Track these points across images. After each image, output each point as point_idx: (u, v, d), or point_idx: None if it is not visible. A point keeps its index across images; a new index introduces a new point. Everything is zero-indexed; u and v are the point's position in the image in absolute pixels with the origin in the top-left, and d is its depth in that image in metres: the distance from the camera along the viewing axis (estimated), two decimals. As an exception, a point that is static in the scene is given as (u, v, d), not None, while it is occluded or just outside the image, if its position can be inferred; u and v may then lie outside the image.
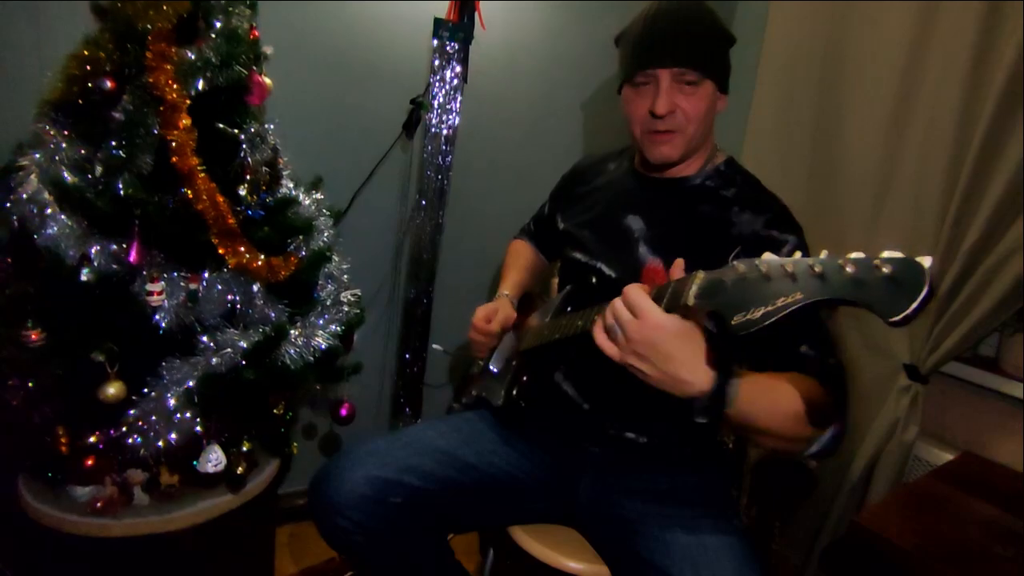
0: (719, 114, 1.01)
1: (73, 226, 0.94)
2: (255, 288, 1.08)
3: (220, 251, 1.01)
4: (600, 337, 0.76)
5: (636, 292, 0.72)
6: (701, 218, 0.99)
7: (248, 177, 1.06)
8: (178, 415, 1.00)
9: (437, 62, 1.45)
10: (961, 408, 1.49)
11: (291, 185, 1.18)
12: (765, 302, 0.56)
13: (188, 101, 0.94)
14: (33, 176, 0.93)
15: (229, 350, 1.03)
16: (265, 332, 1.06)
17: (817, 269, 0.54)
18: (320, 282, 1.22)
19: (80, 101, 0.94)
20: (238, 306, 1.07)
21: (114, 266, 0.96)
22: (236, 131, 1.03)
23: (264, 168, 1.09)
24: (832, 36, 1.59)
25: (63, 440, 1.00)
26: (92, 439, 1.00)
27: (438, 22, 1.43)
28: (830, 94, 1.59)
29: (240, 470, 1.14)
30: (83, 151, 0.95)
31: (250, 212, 1.07)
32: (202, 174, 0.96)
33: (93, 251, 0.95)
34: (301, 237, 1.15)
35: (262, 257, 1.05)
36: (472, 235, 1.71)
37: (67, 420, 1.00)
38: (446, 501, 0.99)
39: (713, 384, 0.72)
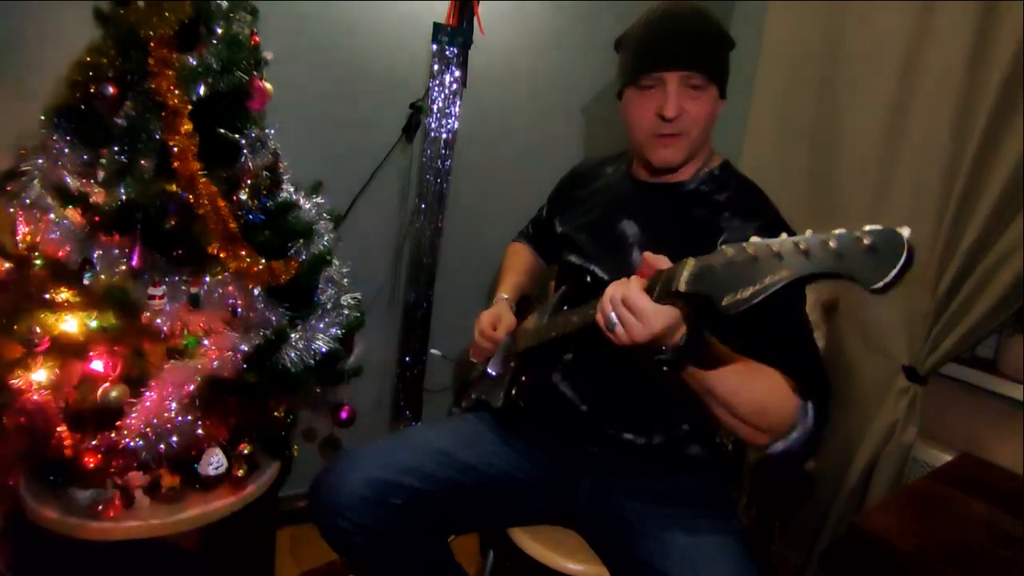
0: (720, 115, 1.02)
1: (75, 230, 0.95)
2: (256, 292, 1.08)
3: (221, 255, 1.02)
4: (602, 325, 0.77)
5: (638, 296, 0.72)
6: (693, 223, 0.99)
7: (249, 181, 1.07)
8: (179, 418, 1.01)
9: (436, 67, 1.46)
10: (960, 409, 1.49)
11: (291, 189, 1.18)
12: (753, 281, 0.58)
13: (189, 106, 0.95)
14: (36, 181, 0.94)
15: (230, 353, 1.03)
16: (266, 335, 1.07)
17: (802, 247, 0.55)
18: (320, 286, 1.22)
19: (83, 107, 0.95)
20: (239, 309, 1.08)
21: (116, 270, 0.96)
22: (237, 136, 1.03)
23: (265, 172, 1.09)
24: (830, 36, 1.59)
25: (65, 442, 1.00)
26: (94, 442, 1.00)
27: (437, 27, 1.43)
28: (828, 94, 1.60)
29: (241, 473, 1.15)
30: (85, 156, 0.96)
31: (251, 216, 1.08)
32: (203, 179, 0.97)
33: (95, 255, 0.96)
34: (301, 241, 1.15)
35: (263, 261, 1.05)
36: (472, 239, 1.71)
37: (69, 422, 1.01)
38: (446, 502, 0.99)
39: (682, 340, 0.74)
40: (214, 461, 1.11)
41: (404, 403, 1.68)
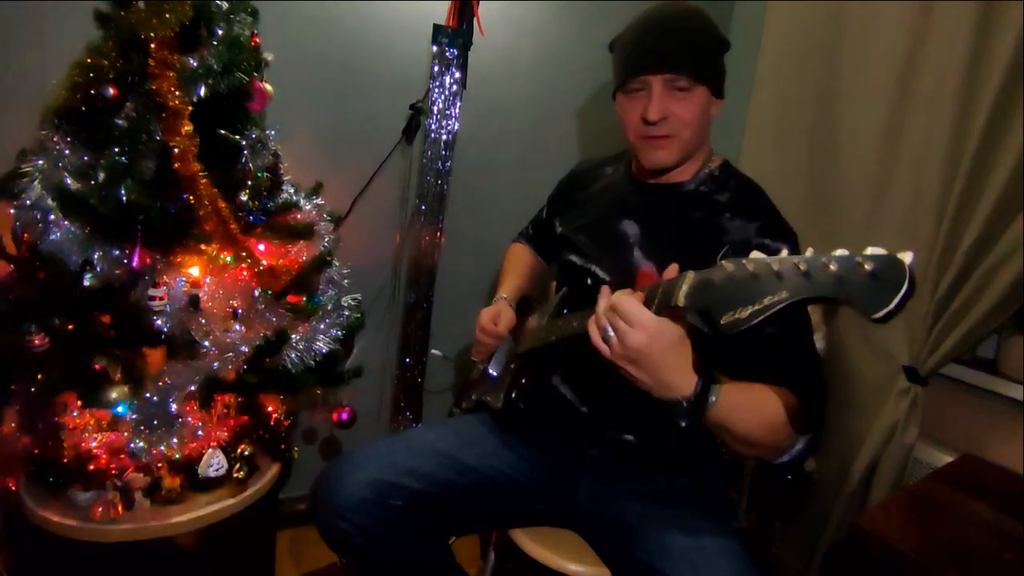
0: (718, 115, 1.02)
1: (76, 232, 0.95)
2: (256, 293, 1.08)
3: (222, 256, 1.02)
4: (595, 335, 0.77)
5: (628, 300, 0.73)
6: (694, 223, 0.99)
7: (249, 183, 1.07)
8: (179, 419, 1.01)
9: (436, 68, 1.46)
10: (960, 410, 1.49)
11: (292, 190, 1.19)
12: (753, 301, 0.58)
13: (190, 108, 0.95)
14: (36, 183, 0.94)
15: (231, 354, 1.03)
16: (266, 336, 1.07)
17: (802, 267, 0.54)
18: (320, 287, 1.22)
19: (83, 108, 0.95)
20: (239, 310, 1.08)
21: (117, 271, 0.96)
22: (237, 137, 1.03)
23: (265, 174, 1.10)
24: (829, 36, 1.59)
25: (65, 444, 1.00)
26: (94, 443, 1.00)
27: (437, 28, 1.44)
28: (827, 94, 1.60)
29: (241, 474, 1.14)
30: (86, 157, 0.96)
31: (251, 217, 1.08)
32: (204, 180, 0.97)
33: (96, 256, 0.96)
34: (302, 242, 1.15)
35: (263, 262, 1.05)
36: (471, 240, 1.72)
37: (69, 424, 1.01)
38: (446, 503, 0.99)
39: (696, 388, 0.74)
40: (214, 463, 1.10)
41: (404, 404, 1.68)
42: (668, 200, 1.03)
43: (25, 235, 0.96)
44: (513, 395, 1.10)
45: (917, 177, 1.41)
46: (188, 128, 0.95)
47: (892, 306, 0.49)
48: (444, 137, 1.52)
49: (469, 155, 1.62)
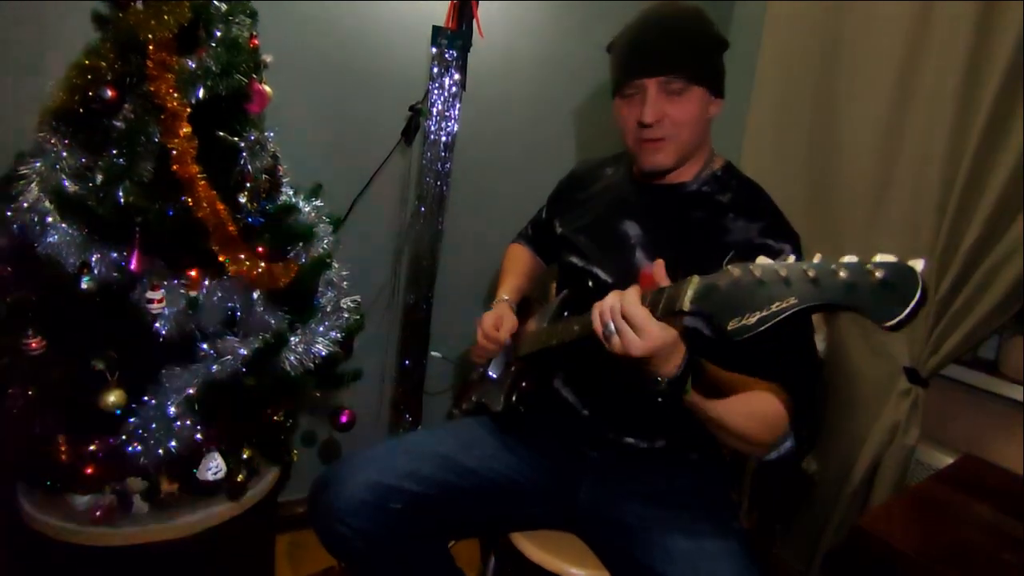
0: (717, 116, 1.01)
1: (74, 234, 0.94)
2: (255, 295, 1.08)
3: (220, 258, 1.01)
4: (597, 327, 0.77)
5: (639, 309, 0.72)
6: (696, 224, 0.99)
7: (248, 185, 1.07)
8: (178, 423, 1.00)
9: (436, 69, 1.46)
10: (961, 411, 1.49)
11: (291, 192, 1.18)
12: (760, 307, 0.57)
13: (188, 109, 0.95)
14: (34, 185, 0.94)
15: (229, 357, 1.03)
16: (265, 339, 1.07)
17: (811, 274, 0.54)
18: (320, 289, 1.22)
19: (81, 110, 0.94)
20: (238, 313, 1.07)
21: (115, 274, 0.96)
22: (236, 139, 1.03)
23: (264, 175, 1.09)
24: (829, 36, 1.60)
25: (63, 448, 1.00)
26: (92, 447, 1.00)
27: (436, 30, 1.43)
28: (828, 95, 1.60)
29: (240, 478, 1.14)
30: (84, 160, 0.96)
31: (250, 219, 1.08)
32: (202, 182, 0.96)
33: (94, 259, 0.95)
34: (301, 244, 1.15)
35: (262, 264, 1.05)
36: (471, 241, 1.71)
37: (67, 428, 1.00)
38: (446, 507, 0.99)
39: (676, 371, 0.75)
40: (213, 466, 1.10)
41: (404, 407, 1.68)
42: (670, 201, 1.03)
43: (22, 237, 0.96)
44: (514, 398, 1.10)
45: (917, 177, 1.41)
46: (187, 130, 0.94)
47: (904, 315, 0.48)
48: (443, 138, 1.51)
49: (468, 156, 1.62)
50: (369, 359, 1.59)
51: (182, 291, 1.00)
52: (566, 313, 1.07)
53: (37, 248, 0.93)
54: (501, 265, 1.35)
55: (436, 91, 1.47)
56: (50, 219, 0.94)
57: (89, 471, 1.01)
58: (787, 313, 0.55)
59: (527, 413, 1.09)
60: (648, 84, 0.94)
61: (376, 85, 1.49)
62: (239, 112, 1.04)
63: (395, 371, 1.69)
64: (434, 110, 1.48)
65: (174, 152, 0.94)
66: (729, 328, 0.59)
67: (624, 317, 0.73)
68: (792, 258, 0.58)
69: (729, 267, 0.62)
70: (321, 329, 1.17)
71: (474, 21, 1.47)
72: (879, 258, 0.50)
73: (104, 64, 0.93)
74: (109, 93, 0.94)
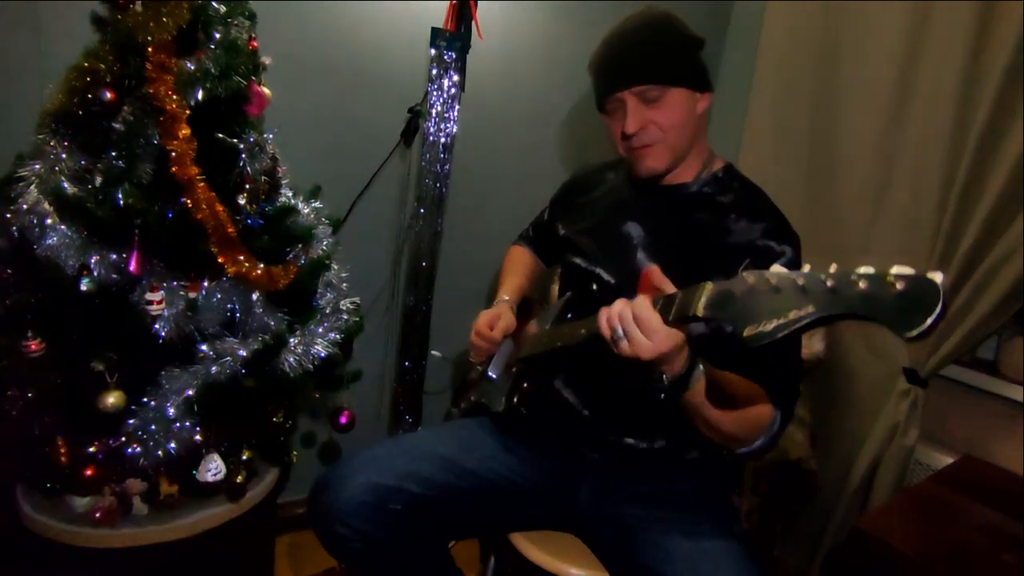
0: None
1: (73, 236, 0.94)
2: (254, 297, 1.08)
3: (219, 260, 1.01)
4: (604, 330, 0.77)
5: (651, 313, 0.72)
6: (698, 225, 0.99)
7: (247, 186, 1.07)
8: (177, 424, 1.00)
9: (435, 71, 1.46)
10: (961, 411, 1.49)
11: (290, 194, 1.18)
12: (777, 315, 0.57)
13: (187, 111, 0.95)
14: (33, 187, 0.94)
15: (229, 359, 1.03)
16: (264, 340, 1.07)
17: (829, 284, 0.53)
18: (319, 290, 1.22)
19: (80, 112, 0.94)
20: (237, 315, 1.07)
21: (114, 276, 0.96)
22: (235, 141, 1.03)
23: (263, 177, 1.09)
24: (828, 36, 1.60)
25: (62, 450, 1.00)
26: (91, 449, 1.00)
27: (435, 31, 1.44)
28: (827, 94, 1.61)
29: (239, 479, 1.14)
30: (83, 162, 0.96)
31: (249, 221, 1.08)
32: (202, 183, 0.96)
33: (93, 261, 0.95)
34: (300, 246, 1.15)
35: (261, 266, 1.05)
36: (471, 242, 1.71)
37: (67, 430, 1.00)
38: (446, 507, 0.99)
39: (680, 370, 0.76)
40: (212, 467, 1.10)
41: (404, 408, 1.68)
42: (671, 202, 1.03)
43: (22, 239, 0.96)
44: (515, 399, 1.09)
45: (917, 178, 1.41)
46: (186, 132, 0.94)
47: (926, 327, 0.48)
48: (442, 140, 1.51)
49: (468, 158, 1.62)
50: (369, 360, 1.59)
51: (181, 293, 1.00)
52: (569, 315, 1.07)
53: (36, 250, 0.93)
54: (502, 266, 1.35)
55: (435, 92, 1.48)
56: (49, 221, 0.94)
57: (89, 473, 1.01)
58: (806, 321, 0.55)
59: (528, 414, 1.09)
60: (625, 97, 0.96)
61: (375, 87, 1.49)
62: (238, 114, 1.04)
63: (395, 372, 1.69)
64: (433, 111, 1.48)
65: (173, 154, 0.94)
66: (745, 335, 0.59)
67: (635, 321, 0.73)
68: (807, 267, 0.57)
69: (744, 274, 0.62)
70: (320, 330, 1.17)
71: (473, 23, 1.47)
72: (896, 270, 0.50)
73: (103, 66, 0.94)
74: (108, 95, 0.94)
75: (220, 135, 1.01)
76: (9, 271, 0.98)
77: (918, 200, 1.40)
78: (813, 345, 1.43)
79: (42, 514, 1.02)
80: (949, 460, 1.43)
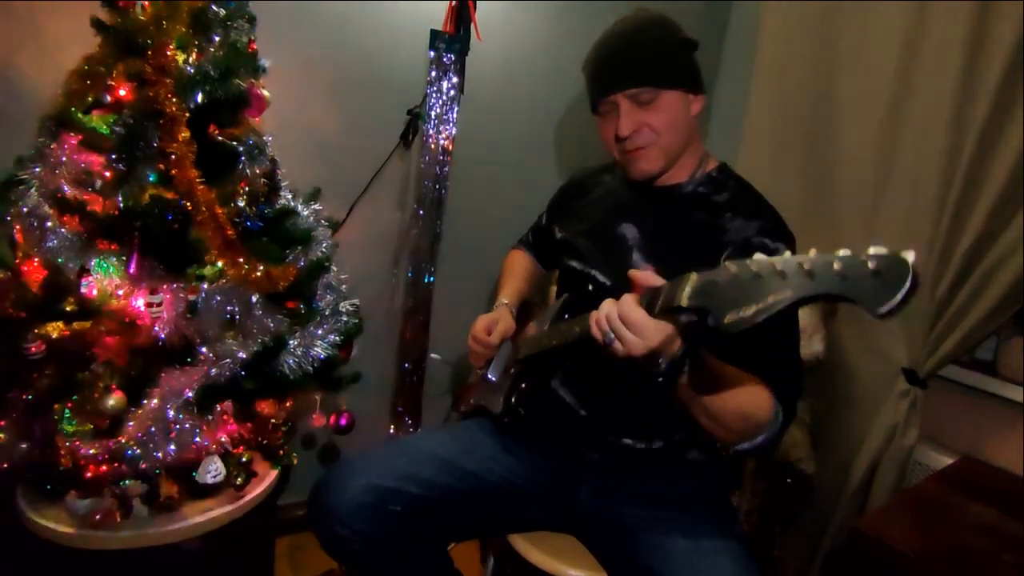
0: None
1: (73, 238, 0.95)
2: (254, 299, 1.08)
3: (219, 262, 1.01)
4: (597, 336, 0.77)
5: (634, 310, 0.73)
6: (693, 224, 1.00)
7: (247, 188, 1.07)
8: (177, 426, 1.00)
9: (434, 73, 1.47)
10: (960, 412, 1.49)
11: (289, 196, 1.18)
12: (757, 300, 0.58)
13: (187, 114, 0.95)
14: (34, 189, 0.94)
15: (228, 360, 1.03)
16: (264, 342, 1.07)
17: (806, 267, 0.55)
18: (319, 292, 1.22)
19: (81, 115, 0.95)
20: (237, 316, 1.08)
21: (115, 277, 0.96)
22: (235, 143, 1.03)
23: (263, 179, 1.09)
24: (825, 38, 1.60)
25: (62, 452, 1.00)
26: (91, 451, 1.00)
27: (434, 34, 1.44)
28: (825, 95, 1.61)
29: (239, 481, 1.14)
30: (83, 164, 0.96)
31: (249, 223, 1.08)
32: (201, 186, 0.97)
33: (93, 263, 0.95)
34: (300, 247, 1.15)
35: (261, 268, 1.05)
36: (470, 244, 1.72)
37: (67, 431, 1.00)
38: (445, 509, 0.99)
39: (676, 351, 0.75)
40: (212, 469, 1.10)
41: (403, 409, 1.68)
42: (666, 202, 1.04)
43: (22, 242, 0.96)
44: (513, 400, 1.10)
45: (915, 178, 1.41)
46: (185, 134, 0.95)
47: (896, 301, 0.49)
48: (442, 142, 1.52)
49: (467, 160, 1.62)
50: (368, 362, 1.59)
51: (181, 294, 1.00)
52: (567, 316, 1.08)
53: (37, 252, 0.93)
54: (501, 270, 1.36)
55: (434, 95, 1.48)
56: (50, 223, 0.94)
57: (89, 475, 1.01)
58: (783, 305, 0.56)
59: (527, 415, 1.09)
60: (618, 99, 0.96)
61: (374, 89, 1.50)
62: (238, 116, 1.05)
63: (394, 374, 1.69)
64: (432, 114, 1.49)
65: (173, 156, 0.95)
66: (726, 321, 0.60)
67: (622, 320, 0.73)
68: (788, 254, 0.58)
69: (726, 263, 0.63)
70: (320, 332, 1.17)
71: (472, 25, 1.47)
72: (872, 250, 0.52)
73: (103, 69, 0.94)
74: (108, 98, 0.94)
75: (220, 137, 1.02)
76: (10, 272, 0.98)
77: (916, 201, 1.41)
78: (813, 346, 1.43)
79: (42, 516, 1.02)
80: (948, 460, 1.43)
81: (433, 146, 1.52)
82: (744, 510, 1.41)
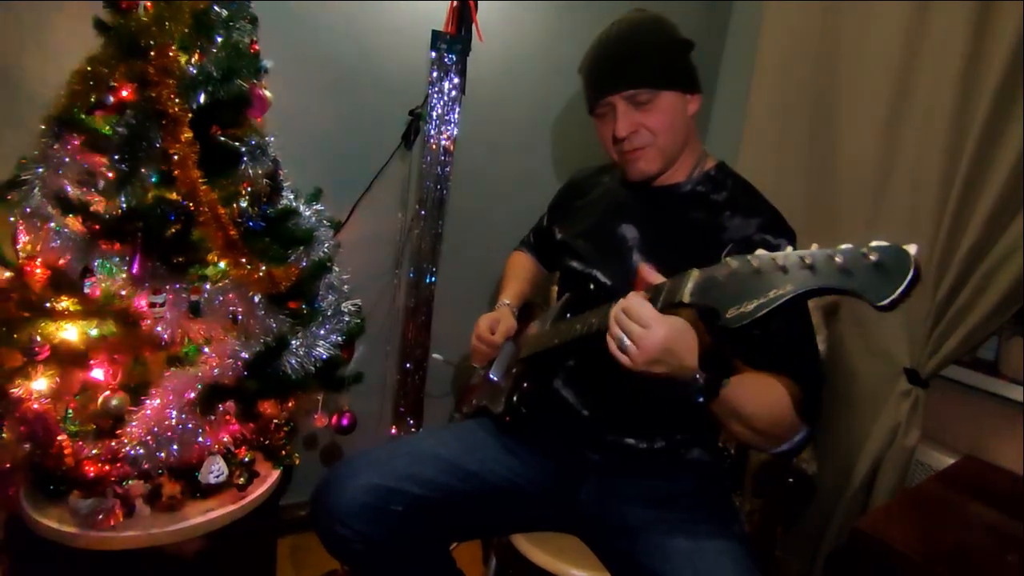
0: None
1: (76, 239, 0.95)
2: (256, 299, 1.08)
3: (221, 262, 1.02)
4: (613, 348, 0.77)
5: (637, 302, 0.73)
6: (693, 223, 1.00)
7: (249, 189, 1.07)
8: (180, 426, 1.01)
9: (435, 74, 1.47)
10: (962, 412, 1.49)
11: (291, 196, 1.19)
12: (758, 295, 0.58)
13: (190, 114, 0.95)
14: (37, 190, 0.94)
15: (231, 360, 1.03)
16: (266, 342, 1.07)
17: (807, 261, 0.55)
18: (321, 292, 1.22)
19: (83, 115, 0.95)
20: (239, 316, 1.08)
21: (117, 278, 0.96)
22: (237, 144, 1.04)
23: (265, 180, 1.10)
24: (827, 36, 1.60)
25: (65, 452, 1.00)
26: (94, 451, 1.00)
27: (436, 34, 1.44)
28: (826, 94, 1.61)
29: (241, 481, 1.14)
30: (86, 165, 0.96)
31: (251, 223, 1.08)
32: (204, 186, 0.97)
33: (96, 264, 0.96)
34: (302, 248, 1.15)
35: (263, 268, 1.05)
36: (471, 245, 1.72)
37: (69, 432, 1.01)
38: (447, 509, 0.99)
39: (707, 363, 0.75)
40: (215, 469, 1.10)
41: (405, 410, 1.68)
42: (665, 202, 1.04)
43: (25, 243, 0.96)
44: (515, 399, 1.10)
45: (916, 178, 1.41)
46: (188, 135, 0.95)
47: (897, 294, 0.49)
48: (443, 143, 1.52)
49: (468, 160, 1.62)
50: (370, 362, 1.59)
51: (183, 295, 1.00)
52: (568, 315, 1.08)
53: (40, 252, 0.94)
54: (503, 271, 1.36)
55: (436, 95, 1.48)
56: (53, 224, 0.94)
57: (91, 475, 1.01)
58: (784, 299, 0.56)
59: (528, 415, 1.09)
60: (615, 101, 0.96)
61: (376, 90, 1.50)
62: (240, 117, 1.05)
63: (396, 374, 1.69)
64: (434, 114, 1.49)
65: (175, 157, 0.95)
66: (728, 316, 0.60)
67: (628, 314, 0.73)
68: (789, 249, 0.58)
69: (727, 259, 0.63)
70: (322, 332, 1.17)
71: (473, 25, 1.48)
72: (873, 244, 0.52)
73: (106, 70, 0.94)
74: (111, 99, 0.94)
75: (222, 138, 1.02)
76: (13, 273, 0.99)
77: (917, 200, 1.40)
78: (814, 346, 1.43)
79: (45, 516, 1.03)
80: (950, 461, 1.43)
81: (434, 146, 1.52)
82: (746, 510, 1.41)
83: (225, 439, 1.14)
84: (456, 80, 1.48)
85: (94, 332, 0.98)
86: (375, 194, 1.55)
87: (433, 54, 1.45)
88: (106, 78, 0.94)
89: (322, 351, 1.14)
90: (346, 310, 1.26)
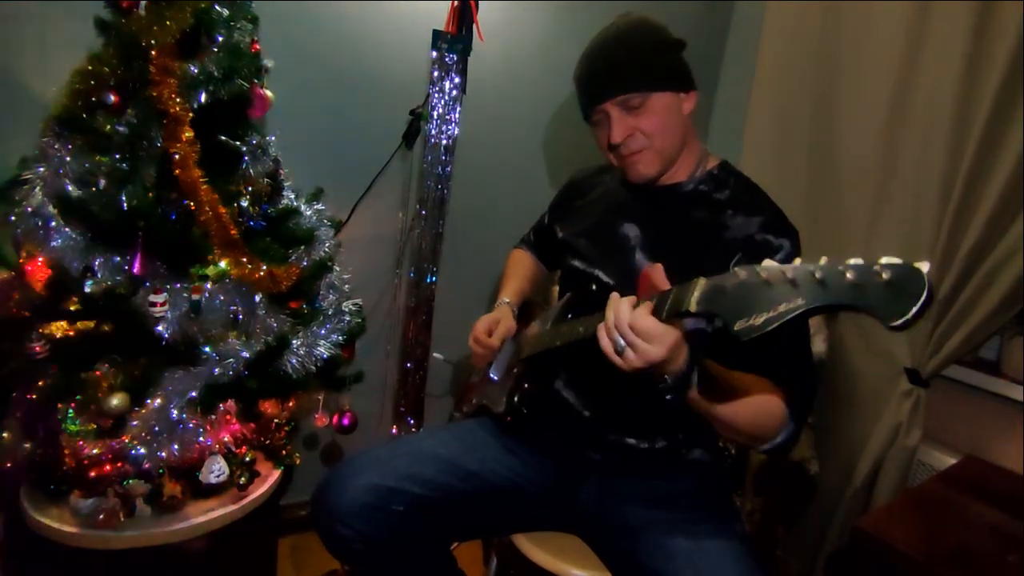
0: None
1: (77, 238, 0.95)
2: (257, 298, 1.08)
3: (222, 262, 1.02)
4: (607, 347, 0.76)
5: (646, 319, 0.72)
6: (695, 223, 1.00)
7: (250, 188, 1.07)
8: (180, 426, 1.01)
9: (436, 73, 1.47)
10: (963, 412, 1.49)
11: (292, 196, 1.19)
12: (767, 308, 0.57)
13: (191, 114, 0.95)
14: (37, 189, 0.94)
15: (231, 360, 1.03)
16: (267, 342, 1.07)
17: (818, 275, 0.54)
18: (321, 292, 1.22)
19: (84, 115, 0.95)
20: (240, 316, 1.08)
21: (117, 278, 0.96)
22: (238, 143, 1.04)
23: (265, 179, 1.10)
24: (828, 36, 1.60)
25: (66, 452, 1.00)
26: (95, 450, 1.00)
27: (437, 34, 1.44)
28: (827, 94, 1.61)
29: (242, 481, 1.14)
30: (87, 164, 0.96)
31: (252, 223, 1.08)
32: (204, 186, 0.97)
33: (97, 263, 0.96)
34: (302, 247, 1.15)
35: (264, 267, 1.05)
36: (472, 244, 1.72)
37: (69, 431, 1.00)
38: (448, 509, 0.99)
39: (681, 367, 0.74)
40: (215, 469, 1.10)
41: (406, 409, 1.68)
42: (668, 201, 1.04)
43: (26, 242, 0.96)
44: (516, 399, 1.10)
45: (917, 179, 1.41)
46: (189, 134, 0.95)
47: (911, 315, 0.48)
48: (444, 142, 1.52)
49: (469, 160, 1.62)
50: (371, 362, 1.59)
51: (184, 294, 1.00)
52: (569, 315, 1.07)
53: (41, 252, 0.94)
54: (503, 270, 1.36)
55: (436, 95, 1.48)
56: (54, 223, 0.94)
57: (92, 474, 1.01)
58: (794, 314, 0.56)
59: (529, 415, 1.09)
60: (607, 108, 0.96)
61: (377, 89, 1.50)
62: (241, 116, 1.05)
63: (397, 374, 1.69)
64: (434, 114, 1.49)
65: (176, 156, 0.95)
66: (736, 328, 0.60)
67: (634, 330, 0.73)
68: (798, 260, 0.58)
69: (736, 269, 0.62)
70: (323, 332, 1.17)
71: (474, 25, 1.48)
72: (885, 260, 0.51)
73: (107, 69, 0.94)
74: (112, 98, 0.94)
75: (223, 138, 1.02)
76: (14, 273, 0.99)
77: (919, 200, 1.40)
78: (815, 346, 1.43)
79: (45, 516, 1.03)
80: (951, 460, 1.43)
81: (435, 146, 1.52)
82: (746, 510, 1.41)
83: (226, 439, 1.14)
84: (457, 80, 1.48)
85: (94, 332, 0.98)
86: (376, 194, 1.55)
87: (434, 54, 1.45)
88: (107, 78, 0.94)
89: (323, 350, 1.14)
90: (347, 309, 1.26)
